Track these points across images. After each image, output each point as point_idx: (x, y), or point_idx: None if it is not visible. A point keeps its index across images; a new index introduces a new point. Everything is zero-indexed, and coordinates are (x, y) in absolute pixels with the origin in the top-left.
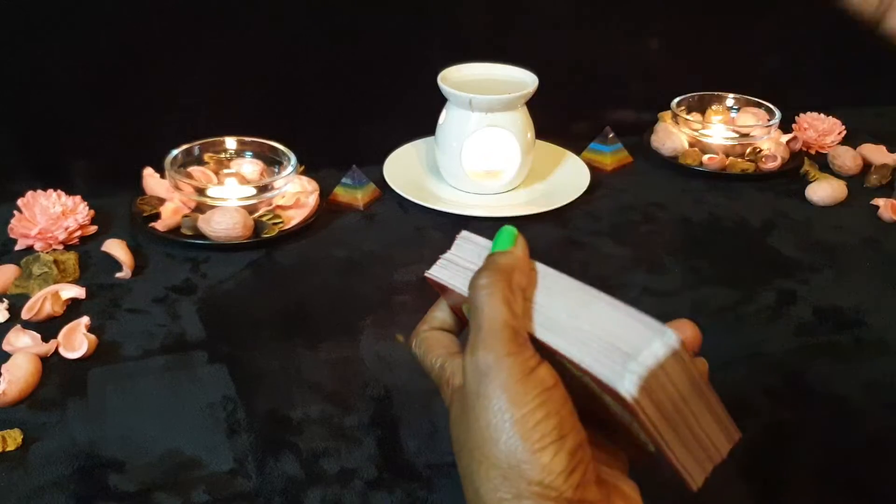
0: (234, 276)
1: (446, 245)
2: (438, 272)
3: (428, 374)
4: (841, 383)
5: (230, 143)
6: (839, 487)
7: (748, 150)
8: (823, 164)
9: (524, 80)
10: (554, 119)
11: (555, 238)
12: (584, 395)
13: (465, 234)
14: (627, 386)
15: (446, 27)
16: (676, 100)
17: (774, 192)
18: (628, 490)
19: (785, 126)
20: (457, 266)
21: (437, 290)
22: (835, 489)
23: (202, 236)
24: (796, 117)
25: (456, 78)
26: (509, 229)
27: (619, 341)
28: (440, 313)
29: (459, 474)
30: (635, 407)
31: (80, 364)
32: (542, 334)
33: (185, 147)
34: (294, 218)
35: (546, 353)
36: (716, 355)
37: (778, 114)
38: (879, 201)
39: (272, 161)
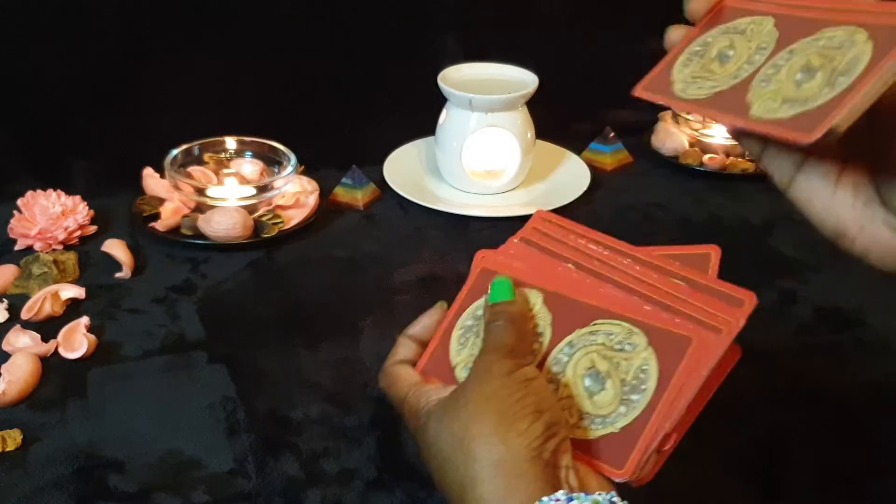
0: (234, 276)
1: (446, 245)
2: None
3: (394, 405)
4: (841, 383)
5: (230, 143)
6: (839, 487)
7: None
8: None
9: (524, 80)
10: (554, 119)
11: None
12: None
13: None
14: None
15: (447, 27)
16: None
17: (775, 192)
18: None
19: None
20: None
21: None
22: (835, 489)
23: (202, 236)
24: None
25: (456, 78)
26: (506, 281)
27: None
28: (403, 349)
29: (436, 476)
30: None
31: (79, 364)
32: None
33: (184, 147)
34: (294, 218)
35: None
36: None
37: None
38: None
39: (272, 161)
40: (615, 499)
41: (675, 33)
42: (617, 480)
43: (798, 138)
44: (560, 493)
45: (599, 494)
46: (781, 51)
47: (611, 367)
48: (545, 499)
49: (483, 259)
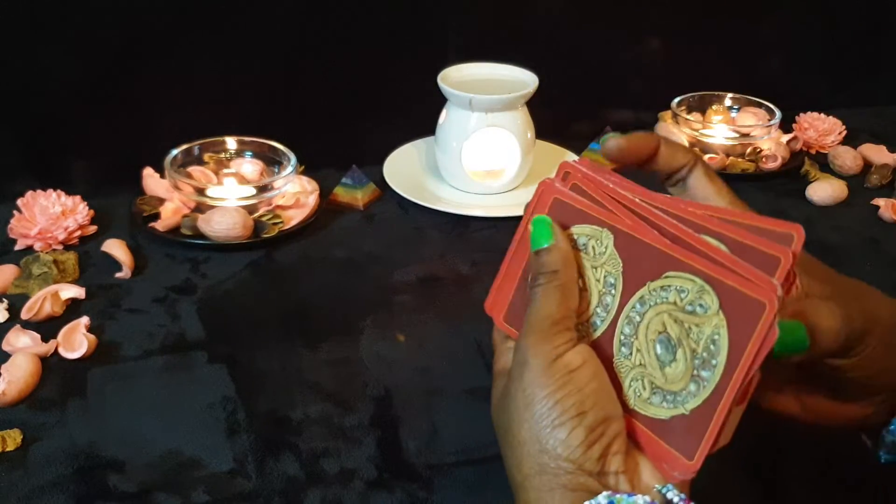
0: (234, 276)
1: (446, 245)
2: None
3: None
4: None
5: (230, 143)
6: (839, 487)
7: (748, 150)
8: (824, 163)
9: (524, 80)
10: (554, 119)
11: None
12: None
13: None
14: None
15: (447, 27)
16: (676, 100)
17: (775, 192)
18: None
19: (785, 126)
20: None
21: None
22: (835, 489)
23: (202, 236)
24: (796, 117)
25: (456, 78)
26: (544, 221)
27: None
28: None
29: (502, 455)
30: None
31: (79, 364)
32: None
33: (185, 147)
34: (294, 218)
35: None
36: None
37: (778, 114)
38: (880, 201)
39: (272, 161)
40: (671, 493)
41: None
42: (678, 475)
43: (674, 467)
44: (602, 497)
45: (641, 497)
46: (631, 297)
47: (682, 332)
48: (586, 503)
49: (547, 189)
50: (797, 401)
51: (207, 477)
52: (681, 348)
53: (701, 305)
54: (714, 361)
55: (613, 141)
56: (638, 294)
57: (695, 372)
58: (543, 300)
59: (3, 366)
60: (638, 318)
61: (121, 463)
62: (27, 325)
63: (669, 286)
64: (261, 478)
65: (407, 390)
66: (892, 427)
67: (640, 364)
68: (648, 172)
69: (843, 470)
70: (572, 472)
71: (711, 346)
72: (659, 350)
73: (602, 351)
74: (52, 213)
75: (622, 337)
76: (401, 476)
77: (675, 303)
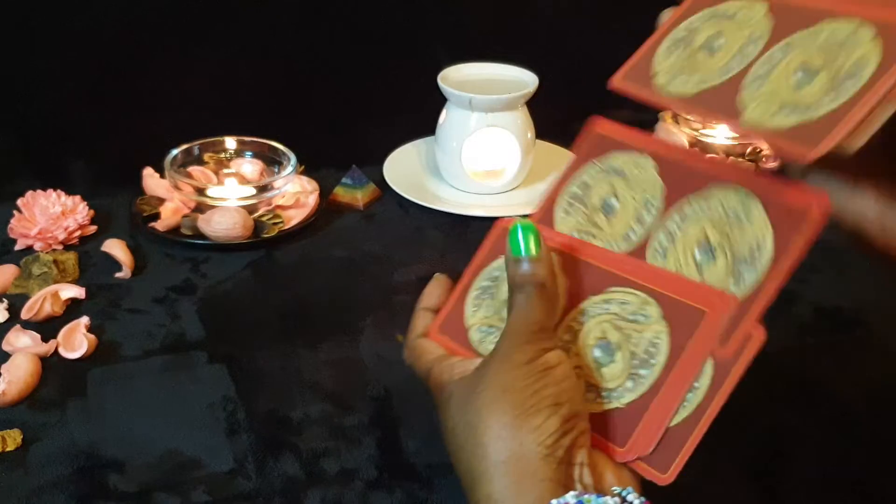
0: (233, 275)
1: (446, 245)
2: None
3: (421, 379)
4: (841, 383)
5: (230, 143)
6: (839, 488)
7: (749, 150)
8: None
9: (524, 80)
10: (554, 119)
11: None
12: None
13: None
14: None
15: (446, 27)
16: None
17: None
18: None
19: None
20: None
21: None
22: (835, 490)
23: (202, 236)
24: None
25: (456, 78)
26: (531, 228)
27: None
28: (422, 321)
29: (452, 459)
30: None
31: (79, 364)
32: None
33: (184, 147)
34: (294, 218)
35: None
36: None
37: None
38: None
39: (272, 161)
40: (630, 496)
41: (666, 17)
42: (618, 460)
43: (796, 155)
44: (570, 496)
45: (610, 497)
46: (777, 44)
47: (622, 338)
48: (553, 502)
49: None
50: (877, 204)
51: (207, 477)
52: (620, 351)
53: (643, 315)
54: (653, 361)
55: None
56: (580, 307)
57: (632, 371)
58: (530, 307)
59: (3, 366)
60: (577, 328)
61: (121, 463)
62: (27, 325)
63: (612, 300)
64: (261, 478)
65: (407, 390)
66: None
67: (576, 367)
68: None
69: (843, 470)
70: (542, 459)
71: (651, 349)
72: (597, 353)
73: None
74: (52, 213)
75: (560, 343)
76: (401, 476)
77: (616, 313)
